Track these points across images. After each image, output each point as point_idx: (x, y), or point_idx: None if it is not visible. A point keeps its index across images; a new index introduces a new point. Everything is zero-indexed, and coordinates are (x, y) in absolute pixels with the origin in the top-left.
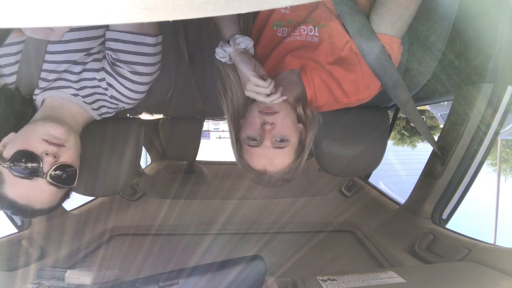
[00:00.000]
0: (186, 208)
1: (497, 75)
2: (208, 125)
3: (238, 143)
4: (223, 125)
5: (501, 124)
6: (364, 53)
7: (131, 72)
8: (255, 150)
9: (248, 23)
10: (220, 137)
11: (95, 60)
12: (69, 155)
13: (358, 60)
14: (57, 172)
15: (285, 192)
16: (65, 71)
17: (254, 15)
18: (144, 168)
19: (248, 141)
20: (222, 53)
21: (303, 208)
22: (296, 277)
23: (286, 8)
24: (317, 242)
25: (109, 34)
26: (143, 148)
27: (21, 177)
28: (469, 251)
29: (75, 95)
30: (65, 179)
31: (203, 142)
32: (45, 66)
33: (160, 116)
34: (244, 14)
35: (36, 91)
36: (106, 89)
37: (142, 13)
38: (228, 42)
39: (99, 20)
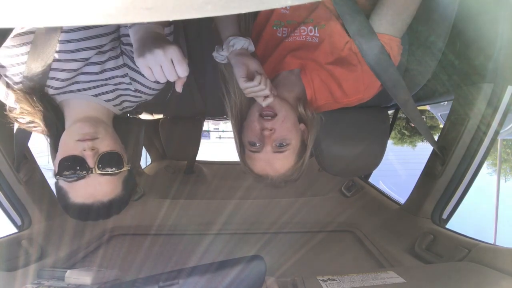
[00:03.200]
0: (186, 208)
1: (497, 75)
2: (208, 125)
3: (242, 147)
4: (223, 125)
5: (501, 124)
6: (364, 53)
7: None
8: (256, 155)
9: (249, 23)
10: (220, 137)
11: (111, 58)
12: (106, 144)
13: (358, 60)
14: (103, 161)
15: (285, 192)
16: (82, 73)
17: (255, 15)
18: (144, 168)
19: (249, 146)
20: (219, 57)
21: (303, 208)
22: (296, 277)
23: (286, 8)
24: (317, 242)
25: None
26: (143, 148)
27: (76, 180)
28: (469, 251)
29: (95, 95)
30: (113, 165)
31: (203, 142)
32: (55, 65)
33: (160, 116)
34: (245, 15)
35: (51, 91)
36: (129, 83)
37: (142, 13)
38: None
39: (99, 20)
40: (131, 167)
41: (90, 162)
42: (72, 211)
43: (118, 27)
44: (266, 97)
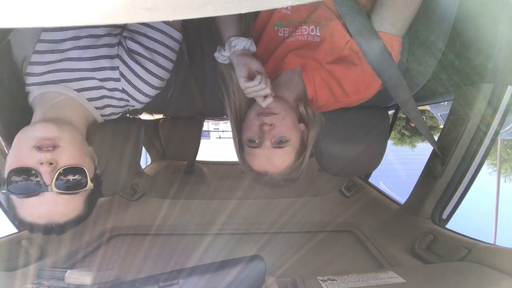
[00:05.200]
0: (185, 208)
1: (497, 75)
2: (208, 125)
3: (241, 146)
4: (223, 125)
5: (501, 124)
6: (365, 52)
7: (150, 60)
8: (255, 151)
9: (250, 24)
10: (220, 137)
11: (104, 45)
12: (69, 155)
13: (359, 59)
14: (62, 179)
15: (285, 192)
16: (67, 59)
17: (255, 15)
18: (144, 168)
19: (248, 143)
20: (221, 58)
21: (303, 208)
22: (296, 277)
23: (287, 8)
24: (317, 242)
25: None
26: (143, 148)
27: (26, 197)
28: (469, 251)
29: (78, 90)
30: (74, 182)
31: (203, 142)
32: (40, 46)
33: (160, 116)
34: (245, 15)
35: (30, 79)
36: (118, 79)
37: (143, 13)
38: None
39: (98, 20)
40: (98, 183)
41: (47, 178)
42: (21, 225)
43: None
44: (266, 97)
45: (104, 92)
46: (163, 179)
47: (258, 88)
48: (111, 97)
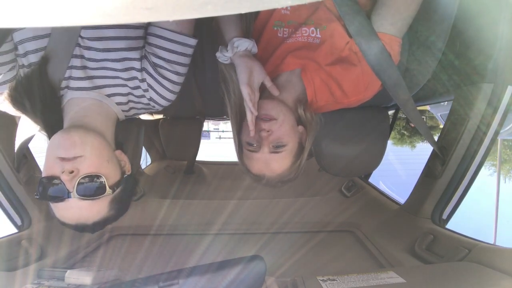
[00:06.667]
0: (186, 208)
1: (497, 75)
2: (208, 125)
3: (240, 146)
4: (223, 125)
5: (501, 124)
6: (364, 53)
7: (172, 72)
8: (253, 155)
9: (250, 24)
10: (220, 137)
11: (134, 59)
12: (89, 164)
13: (358, 59)
14: (82, 185)
15: (285, 192)
16: (102, 68)
17: (255, 15)
18: (144, 168)
19: (247, 146)
20: (223, 58)
21: (303, 208)
22: (296, 277)
23: (286, 8)
24: (317, 242)
25: (154, 30)
26: (143, 148)
27: (55, 202)
28: (469, 251)
29: (109, 95)
30: (94, 188)
31: (203, 142)
32: (75, 62)
33: (160, 116)
34: (246, 15)
35: (65, 83)
36: (146, 90)
37: (142, 13)
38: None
39: (99, 20)
40: (128, 184)
41: (69, 186)
42: (60, 224)
43: (144, 28)
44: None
45: (131, 98)
46: (163, 179)
47: (251, 103)
48: (138, 102)
